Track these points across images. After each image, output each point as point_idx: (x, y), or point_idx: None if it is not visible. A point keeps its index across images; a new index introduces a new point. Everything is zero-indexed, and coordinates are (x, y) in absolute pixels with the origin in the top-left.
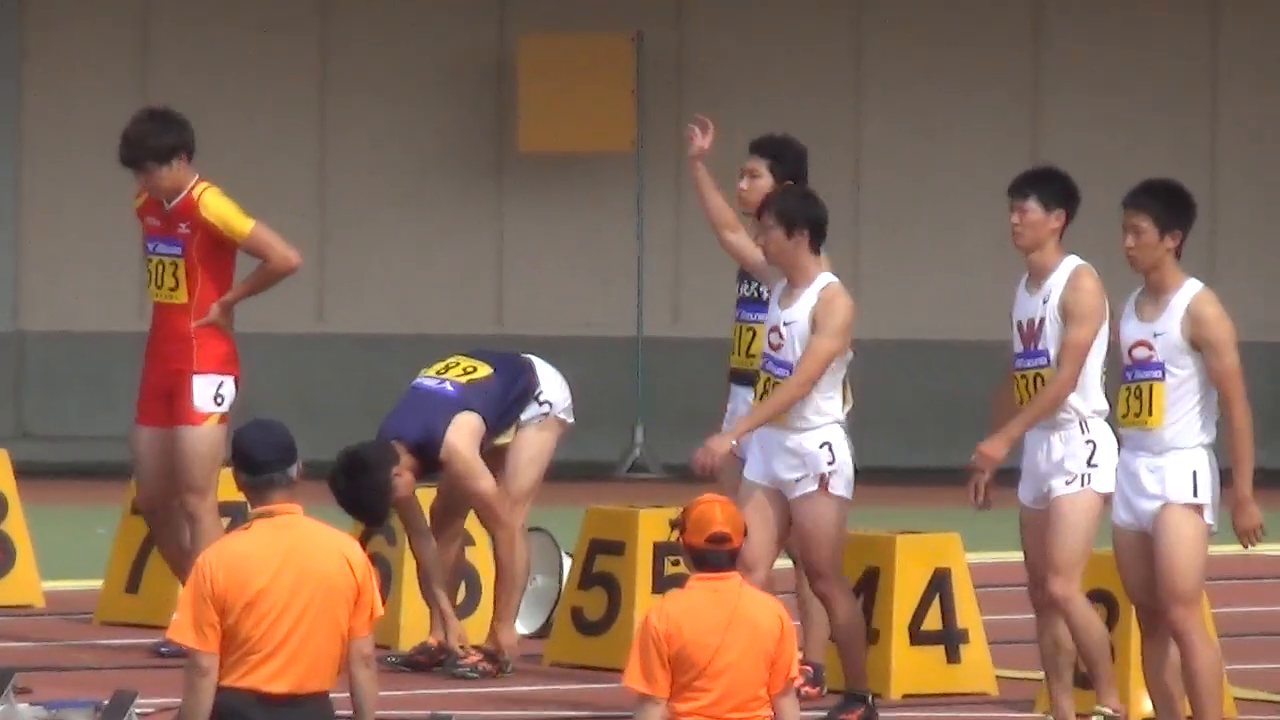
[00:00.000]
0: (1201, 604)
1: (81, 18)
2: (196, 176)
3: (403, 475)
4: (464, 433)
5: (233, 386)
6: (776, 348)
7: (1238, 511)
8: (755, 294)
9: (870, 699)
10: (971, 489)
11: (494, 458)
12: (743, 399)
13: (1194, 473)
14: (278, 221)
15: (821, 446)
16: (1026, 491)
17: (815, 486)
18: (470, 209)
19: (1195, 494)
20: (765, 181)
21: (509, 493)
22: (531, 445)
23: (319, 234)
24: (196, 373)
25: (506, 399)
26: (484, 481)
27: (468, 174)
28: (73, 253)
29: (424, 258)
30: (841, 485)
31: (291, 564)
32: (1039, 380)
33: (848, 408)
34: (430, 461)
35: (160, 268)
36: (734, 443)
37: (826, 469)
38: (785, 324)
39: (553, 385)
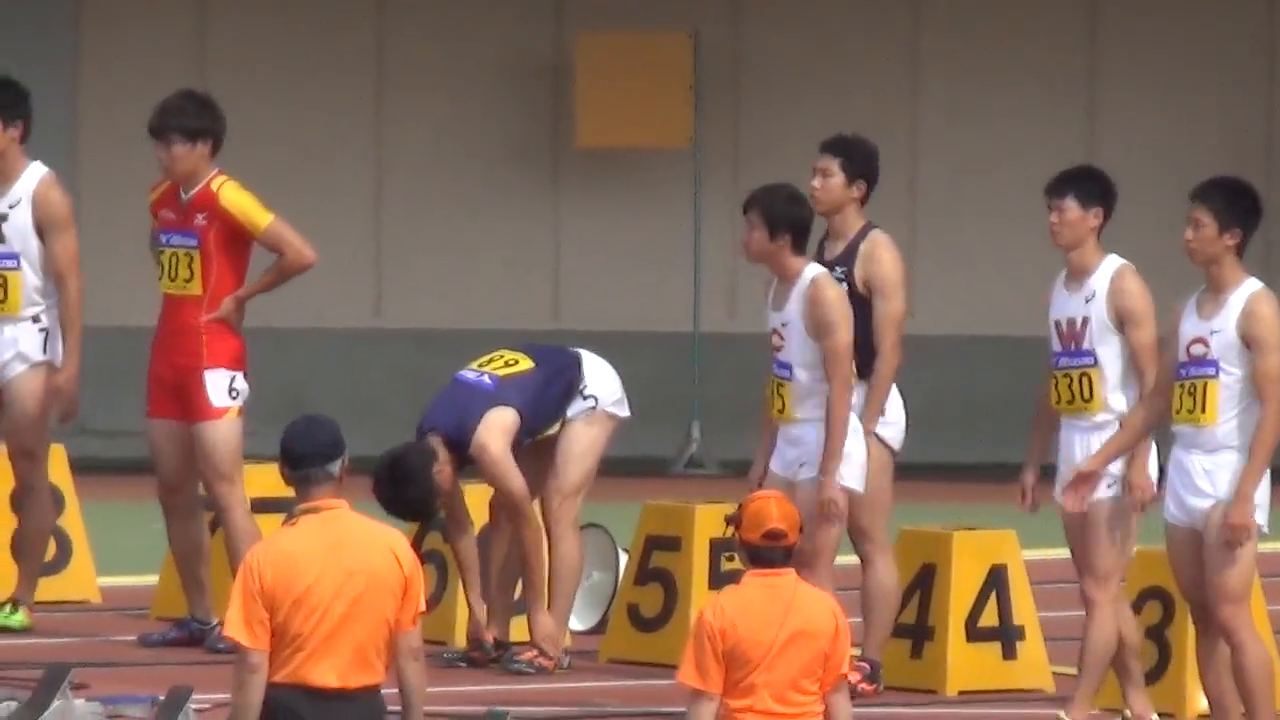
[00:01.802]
0: (1250, 602)
1: (138, 15)
2: (216, 169)
3: (443, 470)
4: (495, 430)
5: (244, 381)
6: (778, 349)
7: (1235, 508)
8: None
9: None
10: (1020, 492)
11: (542, 451)
12: None
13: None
14: (335, 217)
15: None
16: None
17: (815, 473)
18: (527, 205)
19: None
20: (838, 180)
21: (558, 489)
22: (579, 440)
23: (376, 230)
24: (207, 368)
25: (546, 394)
26: (513, 481)
27: (525, 170)
28: (128, 249)
29: (481, 254)
30: (849, 476)
31: (339, 559)
32: (1084, 379)
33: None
34: (463, 456)
35: (174, 259)
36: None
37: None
38: (782, 325)
39: (599, 380)
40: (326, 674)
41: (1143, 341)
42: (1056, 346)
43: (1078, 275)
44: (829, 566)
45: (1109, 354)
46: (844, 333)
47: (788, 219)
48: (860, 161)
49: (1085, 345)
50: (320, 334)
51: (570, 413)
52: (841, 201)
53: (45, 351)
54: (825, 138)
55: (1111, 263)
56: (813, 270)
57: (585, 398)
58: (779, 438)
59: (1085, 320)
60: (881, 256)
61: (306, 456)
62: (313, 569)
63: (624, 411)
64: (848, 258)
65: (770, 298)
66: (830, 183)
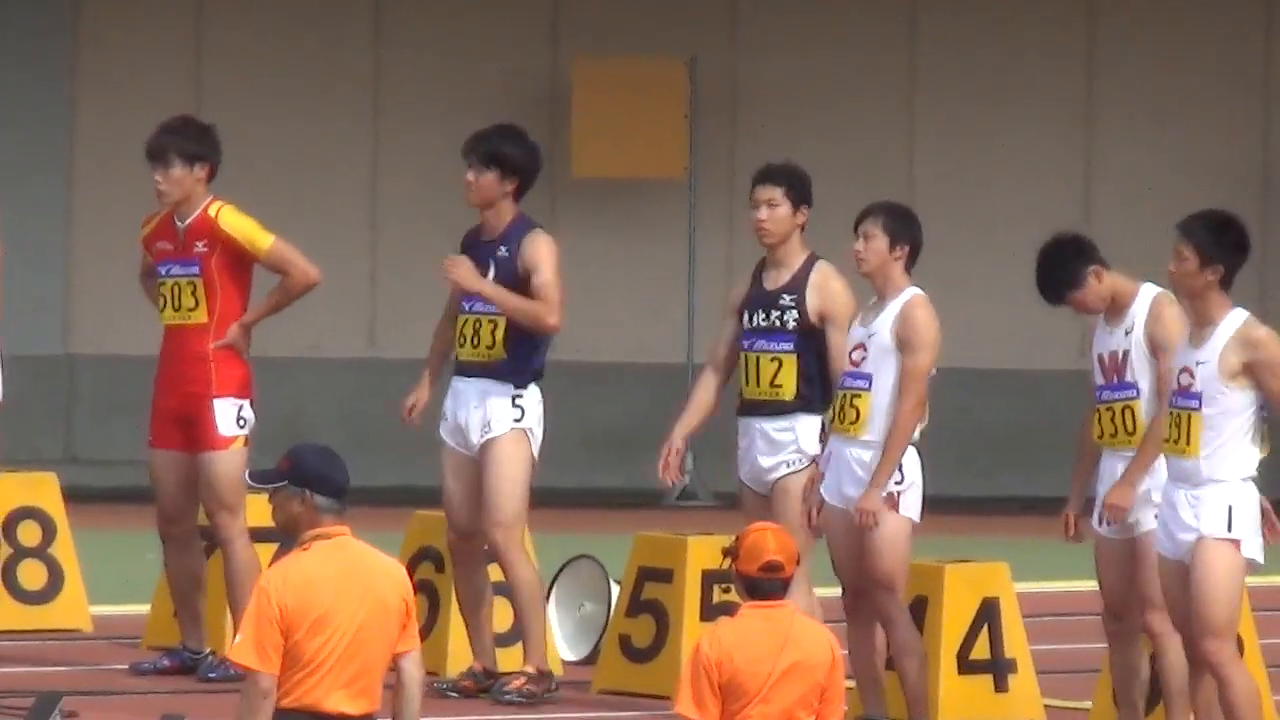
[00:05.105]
0: (1235, 636)
1: (134, 41)
2: (211, 196)
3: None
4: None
5: (251, 410)
6: (859, 363)
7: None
8: (777, 323)
9: None
10: (1064, 524)
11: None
12: (759, 432)
13: (1230, 507)
14: (330, 245)
15: None
16: (1102, 522)
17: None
18: None
19: (1230, 529)
20: (784, 209)
21: (498, 522)
22: (505, 465)
23: (371, 258)
24: (216, 397)
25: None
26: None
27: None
28: (122, 277)
29: None
30: (911, 506)
31: (352, 584)
32: (1127, 412)
33: (923, 425)
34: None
35: (176, 289)
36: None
37: (894, 487)
38: (869, 337)
39: (534, 402)
40: (331, 697)
41: (1169, 369)
42: (1099, 380)
43: (1119, 310)
44: (903, 592)
45: (1149, 384)
46: (926, 357)
47: (909, 234)
48: (800, 188)
49: (1128, 378)
50: (315, 363)
51: (494, 423)
52: (789, 230)
53: None
54: (760, 169)
55: (1149, 291)
56: (914, 290)
57: (516, 405)
58: (832, 459)
59: (1125, 353)
60: (835, 288)
61: (346, 488)
62: (329, 593)
63: (535, 448)
64: (796, 287)
65: (861, 313)
66: (778, 213)
